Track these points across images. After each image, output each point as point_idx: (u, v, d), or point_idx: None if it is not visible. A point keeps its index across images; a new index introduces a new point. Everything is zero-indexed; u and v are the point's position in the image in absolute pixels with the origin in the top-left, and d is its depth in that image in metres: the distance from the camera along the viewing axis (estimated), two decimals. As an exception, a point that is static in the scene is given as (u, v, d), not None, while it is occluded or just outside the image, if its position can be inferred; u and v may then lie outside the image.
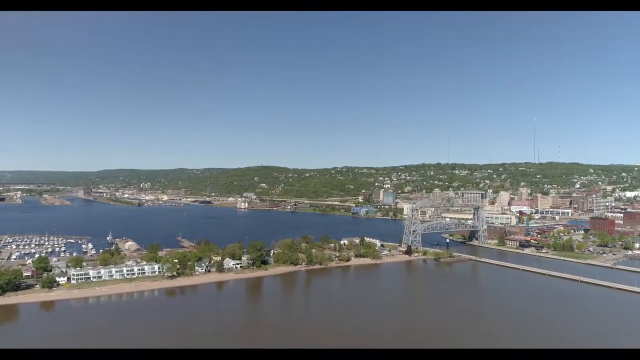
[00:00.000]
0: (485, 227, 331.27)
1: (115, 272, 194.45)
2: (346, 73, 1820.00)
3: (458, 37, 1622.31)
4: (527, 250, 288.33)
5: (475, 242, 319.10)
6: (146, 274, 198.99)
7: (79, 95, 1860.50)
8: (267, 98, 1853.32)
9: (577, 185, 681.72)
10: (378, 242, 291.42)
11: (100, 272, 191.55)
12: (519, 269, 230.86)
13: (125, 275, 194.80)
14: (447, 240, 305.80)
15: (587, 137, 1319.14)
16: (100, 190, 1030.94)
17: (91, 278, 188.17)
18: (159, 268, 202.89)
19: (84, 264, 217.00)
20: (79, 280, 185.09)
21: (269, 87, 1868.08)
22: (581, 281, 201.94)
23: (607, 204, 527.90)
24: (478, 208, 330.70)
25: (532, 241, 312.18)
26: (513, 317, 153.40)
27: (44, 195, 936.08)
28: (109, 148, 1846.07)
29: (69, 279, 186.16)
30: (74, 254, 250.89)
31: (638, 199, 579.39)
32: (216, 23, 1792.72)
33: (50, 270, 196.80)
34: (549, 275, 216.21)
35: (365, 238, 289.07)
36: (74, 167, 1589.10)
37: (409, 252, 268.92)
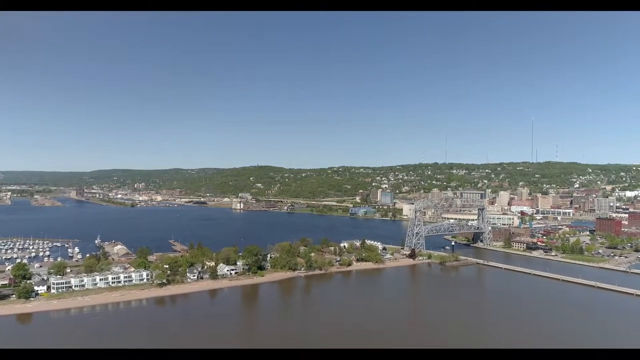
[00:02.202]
0: (489, 228, 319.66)
1: (100, 280, 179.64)
2: (342, 72, 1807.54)
3: (455, 37, 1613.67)
4: (535, 253, 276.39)
5: (480, 244, 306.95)
6: (133, 281, 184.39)
7: (74, 95, 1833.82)
8: (263, 98, 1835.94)
9: (576, 185, 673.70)
10: (380, 245, 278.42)
11: (83, 281, 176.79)
12: (530, 273, 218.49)
13: (110, 283, 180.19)
14: (453, 243, 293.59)
15: (585, 136, 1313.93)
16: (93, 191, 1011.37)
17: (73, 287, 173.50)
18: (147, 275, 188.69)
19: (68, 270, 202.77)
20: (60, 290, 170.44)
21: (264, 86, 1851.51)
22: (597, 287, 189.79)
23: (610, 204, 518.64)
24: (483, 209, 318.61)
25: (540, 243, 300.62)
26: (537, 331, 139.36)
27: (35, 196, 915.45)
28: (103, 148, 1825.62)
29: (48, 287, 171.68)
30: (59, 259, 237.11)
31: (639, 198, 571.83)
32: (211, 23, 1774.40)
33: (30, 278, 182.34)
34: (562, 280, 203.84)
35: (366, 241, 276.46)
36: (68, 167, 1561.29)
37: (412, 255, 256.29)
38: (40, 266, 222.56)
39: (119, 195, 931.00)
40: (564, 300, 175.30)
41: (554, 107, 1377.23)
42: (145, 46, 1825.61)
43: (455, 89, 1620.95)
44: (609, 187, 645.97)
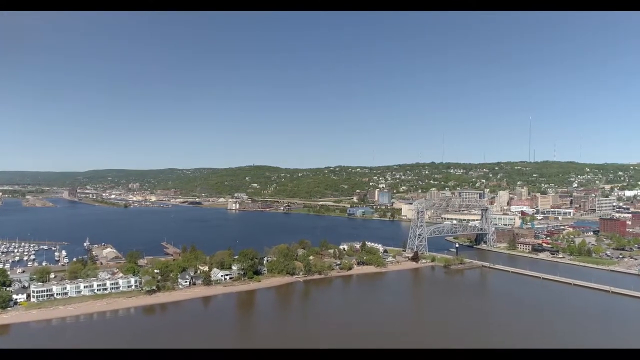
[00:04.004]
0: (493, 229, 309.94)
1: (84, 287, 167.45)
2: (339, 72, 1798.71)
3: (453, 37, 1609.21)
4: (541, 255, 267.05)
5: (483, 246, 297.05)
6: (121, 288, 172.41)
7: (68, 94, 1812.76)
8: (259, 97, 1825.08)
9: (575, 185, 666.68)
10: (380, 247, 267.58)
11: (66, 288, 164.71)
12: (539, 277, 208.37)
13: (95, 290, 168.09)
14: (457, 245, 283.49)
15: (582, 135, 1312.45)
16: (86, 191, 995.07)
17: (55, 295, 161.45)
18: (135, 281, 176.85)
19: (52, 275, 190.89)
20: (40, 298, 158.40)
21: (260, 86, 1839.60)
22: (612, 292, 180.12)
23: (613, 203, 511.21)
24: (486, 209, 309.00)
25: (545, 245, 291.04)
26: (559, 344, 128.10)
27: (27, 197, 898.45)
28: (98, 148, 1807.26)
29: (28, 296, 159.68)
30: (44, 264, 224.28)
31: (639, 198, 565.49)
32: (208, 23, 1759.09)
33: (10, 285, 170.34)
34: (574, 284, 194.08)
35: (366, 243, 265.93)
36: (62, 168, 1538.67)
37: (415, 258, 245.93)
38: (23, 271, 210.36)
39: (113, 196, 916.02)
40: (582, 308, 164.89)
41: (552, 107, 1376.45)
42: (140, 46, 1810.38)
43: (453, 89, 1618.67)
44: (607, 187, 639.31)
